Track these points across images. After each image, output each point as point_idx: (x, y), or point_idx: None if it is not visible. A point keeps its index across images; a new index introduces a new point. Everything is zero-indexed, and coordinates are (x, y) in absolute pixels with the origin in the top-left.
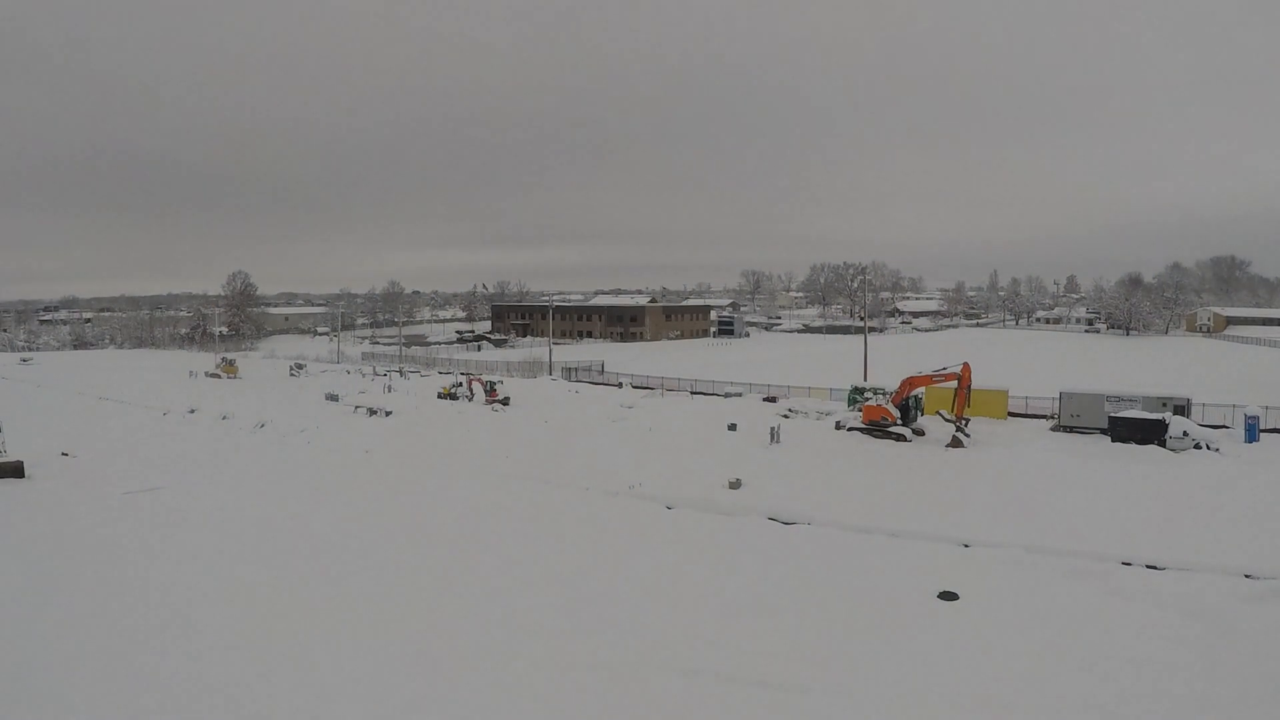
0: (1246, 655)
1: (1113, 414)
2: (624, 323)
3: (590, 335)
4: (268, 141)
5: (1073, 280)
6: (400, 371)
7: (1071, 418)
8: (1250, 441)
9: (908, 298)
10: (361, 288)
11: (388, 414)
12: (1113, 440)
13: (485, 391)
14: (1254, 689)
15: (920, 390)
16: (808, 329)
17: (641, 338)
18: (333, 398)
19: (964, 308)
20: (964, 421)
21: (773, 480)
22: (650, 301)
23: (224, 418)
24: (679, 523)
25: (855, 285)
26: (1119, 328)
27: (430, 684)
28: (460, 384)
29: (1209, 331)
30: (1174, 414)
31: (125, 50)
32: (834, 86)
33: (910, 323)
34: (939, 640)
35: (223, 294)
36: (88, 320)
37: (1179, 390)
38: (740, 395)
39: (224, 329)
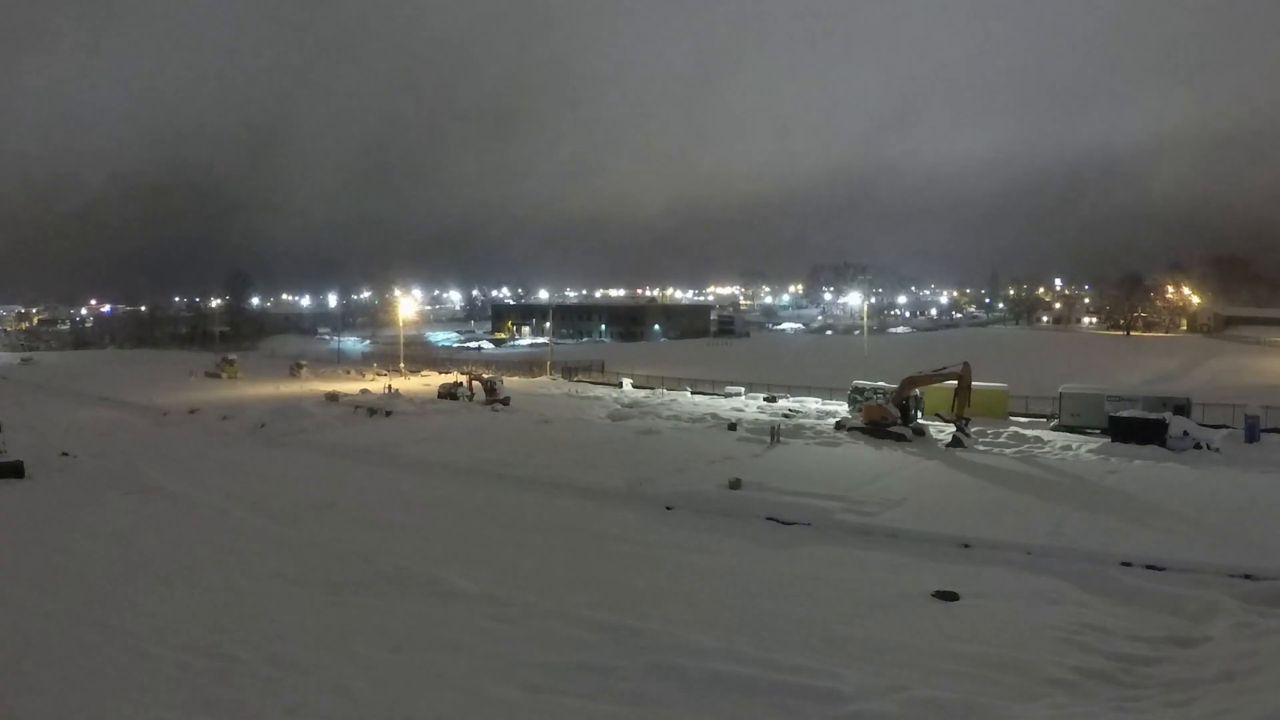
0: (1247, 655)
1: (1113, 414)
2: (624, 322)
3: (590, 335)
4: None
5: (1073, 280)
6: (400, 371)
7: (1072, 417)
8: (1250, 441)
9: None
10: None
11: (387, 414)
12: (1113, 440)
13: (485, 391)
14: (1255, 689)
15: (920, 390)
16: (808, 329)
17: (642, 337)
18: (332, 397)
19: (964, 307)
20: (964, 421)
21: (773, 480)
22: (650, 301)
23: (224, 418)
24: (679, 523)
25: (855, 285)
26: (1119, 328)
27: (427, 681)
28: (460, 383)
29: (1209, 331)
30: (1174, 414)
31: (128, 42)
32: (832, 84)
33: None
34: (939, 640)
35: (223, 294)
36: (88, 320)
37: (1179, 390)
38: (740, 395)
39: (224, 329)
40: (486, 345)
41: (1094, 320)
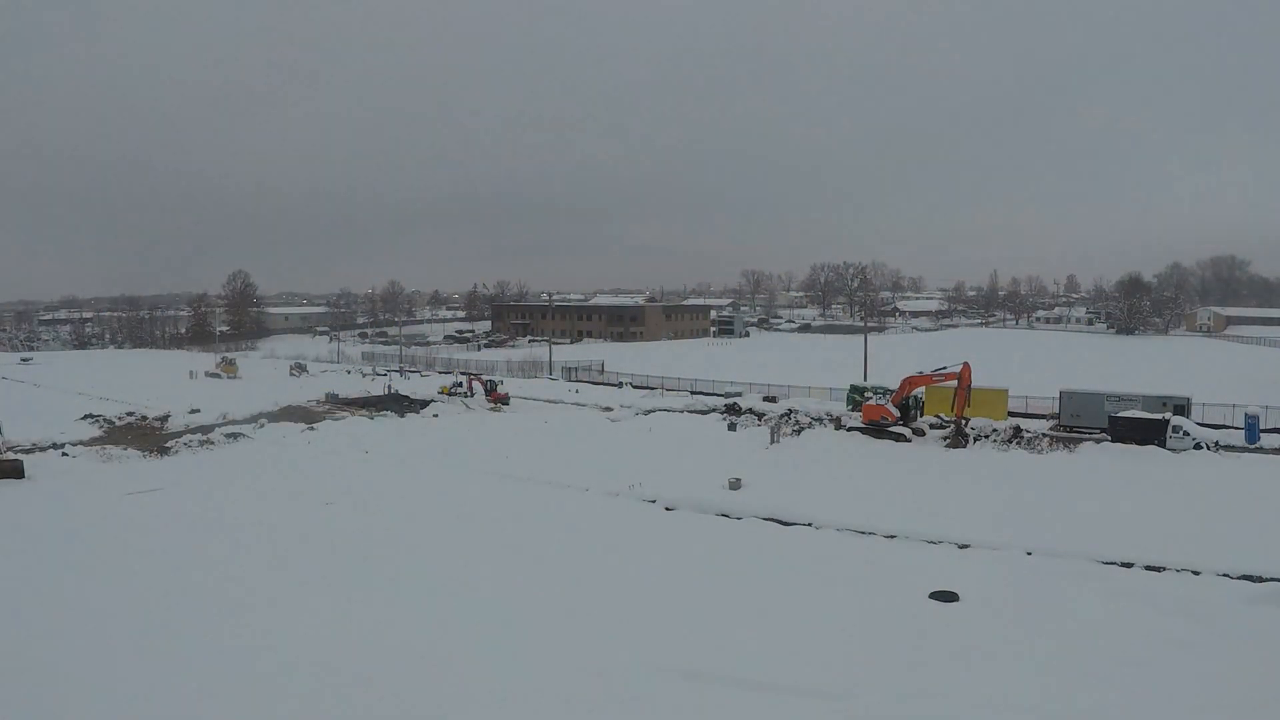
0: (1247, 656)
1: (1113, 414)
2: (624, 322)
3: (590, 335)
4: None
5: (1073, 280)
6: (400, 371)
7: (1072, 417)
8: (1251, 441)
9: (908, 297)
10: (361, 288)
11: (388, 414)
12: (1113, 440)
13: (485, 391)
14: (1255, 690)
15: (920, 390)
16: (808, 329)
17: (641, 337)
18: (332, 397)
19: (964, 308)
20: (964, 421)
21: (772, 480)
22: (649, 301)
23: (224, 417)
24: (679, 523)
25: (855, 285)
26: (1119, 328)
27: (429, 684)
28: (460, 384)
29: (1209, 331)
30: (1174, 414)
31: (127, 45)
32: (832, 85)
33: (910, 322)
34: (938, 641)
35: (222, 294)
36: (87, 320)
37: (1179, 390)
38: (740, 395)
39: (224, 329)
40: (487, 345)
41: (1094, 320)
